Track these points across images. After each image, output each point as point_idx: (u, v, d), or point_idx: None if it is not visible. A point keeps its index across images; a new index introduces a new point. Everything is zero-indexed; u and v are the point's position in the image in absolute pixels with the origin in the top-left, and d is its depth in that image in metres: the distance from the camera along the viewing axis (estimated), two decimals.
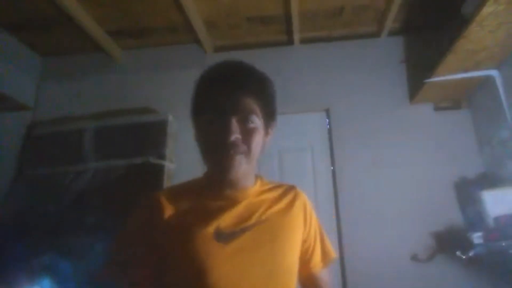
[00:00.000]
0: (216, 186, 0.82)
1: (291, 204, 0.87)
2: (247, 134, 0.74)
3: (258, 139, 0.76)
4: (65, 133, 2.22)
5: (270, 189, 0.89)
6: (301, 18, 2.18)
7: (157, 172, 2.05)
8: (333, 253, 0.95)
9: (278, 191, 0.89)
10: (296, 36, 2.34)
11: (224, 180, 0.79)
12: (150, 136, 2.13)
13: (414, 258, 1.92)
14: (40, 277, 1.87)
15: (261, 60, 2.67)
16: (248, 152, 0.74)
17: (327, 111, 2.29)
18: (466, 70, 1.89)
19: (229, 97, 0.73)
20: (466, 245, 1.74)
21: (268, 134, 0.83)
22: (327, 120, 2.29)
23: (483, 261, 1.74)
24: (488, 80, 1.94)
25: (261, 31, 2.34)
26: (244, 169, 0.76)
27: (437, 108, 2.24)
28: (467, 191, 1.98)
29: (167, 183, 2.06)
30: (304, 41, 2.40)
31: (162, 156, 2.08)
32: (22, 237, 1.98)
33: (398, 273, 1.87)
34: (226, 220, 0.77)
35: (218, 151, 0.73)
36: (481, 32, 1.56)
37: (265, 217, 0.81)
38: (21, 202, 2.09)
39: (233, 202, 0.80)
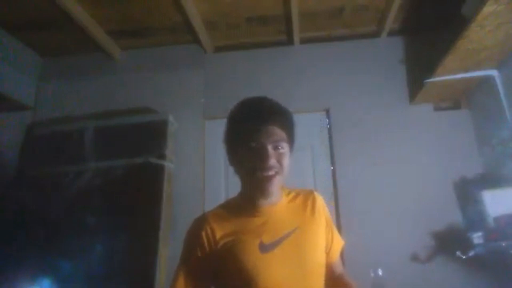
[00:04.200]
0: (251, 204, 0.97)
1: (312, 209, 1.03)
2: (280, 157, 0.91)
3: (287, 161, 0.93)
4: (65, 133, 2.22)
5: (293, 198, 1.04)
6: (301, 18, 2.18)
7: (157, 172, 2.05)
8: (342, 240, 1.12)
9: (300, 199, 1.05)
10: (296, 36, 2.34)
11: (262, 197, 0.94)
12: (150, 136, 2.13)
13: (414, 258, 1.92)
14: (40, 277, 1.88)
15: (261, 60, 2.70)
16: (281, 172, 0.91)
17: (327, 111, 2.29)
18: (466, 70, 1.89)
19: (263, 128, 0.90)
20: (466, 245, 1.74)
21: (290, 157, 0.99)
22: (327, 120, 2.29)
23: (483, 261, 1.74)
24: (488, 80, 1.94)
25: (261, 31, 2.34)
26: (277, 186, 0.92)
27: (437, 108, 2.24)
28: (467, 191, 1.98)
29: (167, 183, 2.06)
30: (304, 41, 2.40)
31: (162, 156, 2.08)
32: (22, 237, 1.98)
33: (398, 273, 1.87)
34: (266, 233, 0.93)
35: (258, 172, 0.89)
36: (481, 32, 1.56)
37: (295, 225, 0.96)
38: (21, 202, 2.09)
39: (268, 217, 0.96)
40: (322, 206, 1.06)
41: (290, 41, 2.40)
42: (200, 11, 2.11)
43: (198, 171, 2.22)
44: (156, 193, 2.00)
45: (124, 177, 2.06)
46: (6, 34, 2.23)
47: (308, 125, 2.29)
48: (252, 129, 0.89)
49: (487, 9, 1.41)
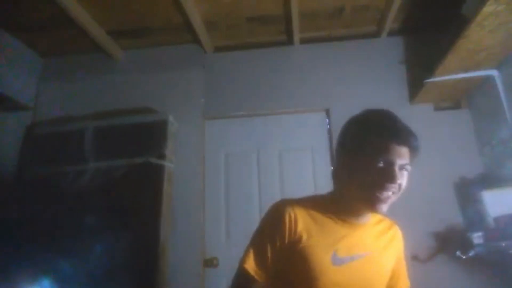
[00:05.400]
0: (342, 211, 0.94)
1: (391, 240, 1.02)
2: (402, 179, 0.88)
3: (406, 184, 0.89)
4: (65, 133, 2.22)
5: (377, 222, 1.02)
6: (301, 18, 2.18)
7: (157, 172, 2.05)
8: (408, 282, 1.07)
9: (383, 225, 1.03)
10: (296, 36, 2.34)
11: (366, 212, 0.93)
12: (150, 136, 2.13)
13: (414, 258, 1.92)
14: (40, 277, 1.88)
15: (261, 60, 2.70)
16: (397, 194, 0.88)
17: (327, 111, 2.29)
18: (466, 70, 1.89)
19: (397, 148, 0.87)
20: (466, 245, 1.74)
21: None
22: (327, 120, 2.29)
23: (483, 261, 1.74)
24: (488, 80, 1.93)
25: (261, 31, 2.34)
26: (388, 207, 0.89)
27: (437, 108, 2.24)
28: (467, 191, 1.98)
29: (167, 183, 2.06)
30: (304, 41, 2.40)
31: (162, 156, 2.08)
32: (23, 237, 1.98)
33: None
34: (342, 246, 0.91)
35: (377, 191, 0.86)
36: (481, 32, 1.55)
37: (372, 249, 0.95)
38: (21, 202, 2.09)
39: (352, 230, 0.93)
40: (400, 242, 1.05)
41: (290, 41, 2.40)
42: (200, 11, 2.11)
43: (198, 171, 2.22)
44: (156, 193, 2.00)
45: (124, 177, 2.06)
46: (6, 34, 2.23)
47: (308, 125, 2.29)
48: (386, 146, 0.86)
49: (487, 9, 1.40)
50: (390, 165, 0.86)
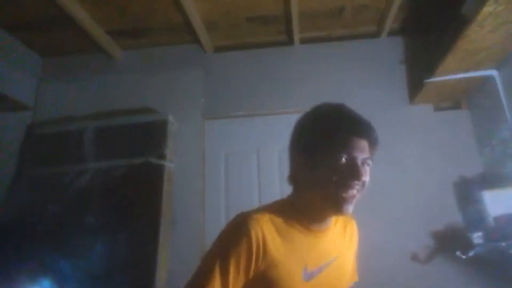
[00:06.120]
0: (306, 218, 0.87)
1: (351, 237, 1.00)
2: (365, 175, 0.83)
3: (368, 179, 0.85)
4: (65, 133, 2.22)
5: (336, 221, 0.96)
6: (301, 18, 2.18)
7: (157, 172, 2.05)
8: (357, 277, 1.05)
9: (341, 223, 0.98)
10: (296, 36, 2.34)
11: (332, 215, 0.88)
12: (150, 136, 2.13)
13: (414, 258, 1.92)
14: (40, 277, 1.88)
15: (261, 60, 2.70)
16: (361, 191, 0.83)
17: None
18: (466, 70, 1.89)
19: (359, 142, 0.82)
20: (466, 245, 1.74)
21: None
22: None
23: (483, 261, 1.75)
24: (488, 80, 1.93)
25: (261, 31, 2.34)
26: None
27: (437, 108, 2.24)
28: (467, 191, 1.98)
29: (167, 183, 2.06)
30: (304, 41, 2.40)
31: (162, 156, 2.08)
32: (22, 237, 1.98)
33: (398, 273, 1.87)
34: (311, 259, 0.85)
35: (342, 189, 0.80)
36: (481, 32, 1.56)
37: (337, 253, 0.91)
38: (21, 202, 2.09)
39: (318, 239, 0.88)
40: (357, 235, 1.02)
41: (290, 41, 2.40)
42: (200, 11, 2.11)
43: (198, 171, 2.22)
44: (156, 193, 2.00)
45: (124, 177, 2.06)
46: (6, 34, 2.23)
47: None
48: (347, 140, 0.80)
49: (487, 9, 1.41)
50: (353, 160, 0.80)
